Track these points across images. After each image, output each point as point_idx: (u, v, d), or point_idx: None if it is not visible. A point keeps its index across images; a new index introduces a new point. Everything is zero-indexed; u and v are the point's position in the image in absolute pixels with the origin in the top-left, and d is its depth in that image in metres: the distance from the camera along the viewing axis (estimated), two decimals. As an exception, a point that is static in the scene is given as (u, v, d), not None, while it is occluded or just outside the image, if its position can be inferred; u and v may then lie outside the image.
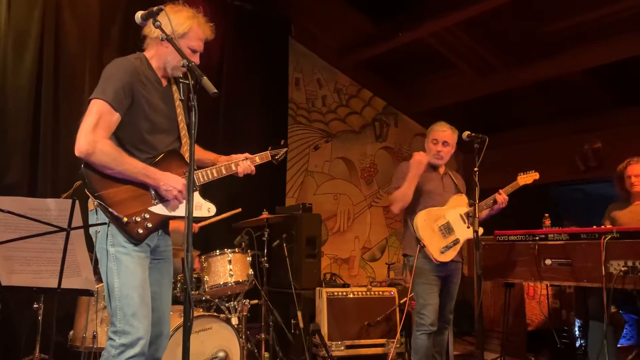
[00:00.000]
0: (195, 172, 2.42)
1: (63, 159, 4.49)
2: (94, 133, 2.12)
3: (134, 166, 2.20)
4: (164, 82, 2.41)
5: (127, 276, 2.18)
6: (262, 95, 6.14)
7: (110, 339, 2.16)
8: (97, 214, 2.23)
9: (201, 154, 2.62)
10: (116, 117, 2.19)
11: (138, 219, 2.21)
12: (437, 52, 6.14)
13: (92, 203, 2.25)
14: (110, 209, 2.14)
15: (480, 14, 5.29)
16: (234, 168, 2.56)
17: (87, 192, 2.18)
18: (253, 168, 2.64)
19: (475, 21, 5.46)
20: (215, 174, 2.49)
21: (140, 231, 2.20)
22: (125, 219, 2.16)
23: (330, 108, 7.05)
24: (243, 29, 5.98)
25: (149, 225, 2.23)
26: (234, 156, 2.63)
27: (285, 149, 2.87)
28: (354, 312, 4.74)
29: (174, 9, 2.35)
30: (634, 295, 3.69)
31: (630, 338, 4.95)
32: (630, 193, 4.11)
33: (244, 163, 2.59)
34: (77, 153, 2.12)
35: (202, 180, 2.44)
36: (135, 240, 2.19)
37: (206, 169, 2.48)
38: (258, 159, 2.71)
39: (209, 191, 2.51)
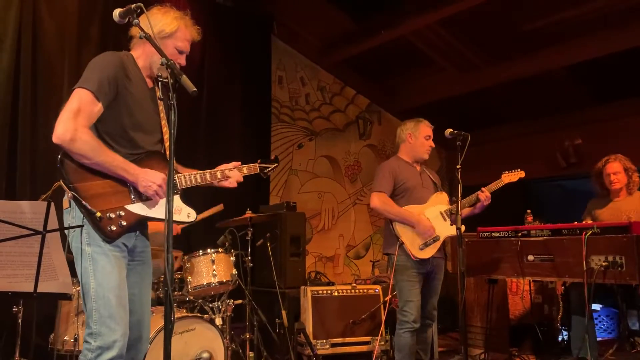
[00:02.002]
0: (178, 175, 2.38)
1: (42, 160, 4.42)
2: (74, 120, 2.07)
3: (113, 158, 2.15)
4: (149, 83, 2.39)
5: (104, 277, 2.12)
6: (244, 94, 6.10)
7: (86, 341, 2.11)
8: (71, 212, 2.16)
9: (183, 171, 2.53)
10: (98, 107, 2.15)
11: (112, 216, 2.14)
12: (418, 50, 6.16)
13: (66, 201, 2.20)
14: (83, 202, 2.07)
15: (460, 12, 5.32)
16: (219, 176, 2.52)
17: (62, 183, 2.12)
18: (241, 178, 2.60)
19: (456, 19, 5.49)
20: (199, 180, 2.45)
21: (114, 228, 2.14)
22: (98, 214, 2.09)
23: (314, 106, 7.04)
24: (225, 26, 5.94)
25: (124, 223, 2.17)
26: (220, 167, 2.58)
27: (275, 164, 2.85)
28: (338, 311, 4.73)
29: (161, 10, 2.36)
30: (614, 290, 3.75)
31: (611, 332, 5.02)
32: (610, 190, 4.16)
33: (235, 172, 2.55)
34: (54, 139, 2.07)
35: (184, 184, 2.40)
36: (108, 237, 2.13)
37: (190, 173, 2.44)
38: (246, 169, 2.66)
39: (191, 189, 2.47)
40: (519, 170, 3.79)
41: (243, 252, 4.25)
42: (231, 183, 2.56)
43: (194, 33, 2.43)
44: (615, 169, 4.09)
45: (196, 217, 2.43)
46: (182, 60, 2.39)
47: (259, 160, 2.79)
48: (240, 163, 2.66)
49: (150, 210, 2.26)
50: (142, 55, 2.35)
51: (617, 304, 4.16)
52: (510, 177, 3.78)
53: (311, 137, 6.97)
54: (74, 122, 2.07)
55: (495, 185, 3.75)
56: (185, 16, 2.42)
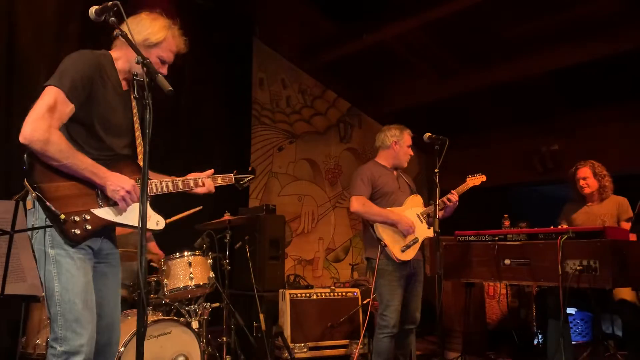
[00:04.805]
0: (149, 181, 2.30)
1: (17, 160, 4.30)
2: (43, 121, 2.00)
3: (81, 161, 2.07)
4: (124, 86, 2.32)
5: (68, 280, 2.05)
6: (225, 95, 6.08)
7: (51, 346, 2.05)
8: (35, 213, 2.10)
9: (155, 177, 2.46)
10: (70, 108, 2.08)
11: (77, 219, 2.07)
12: (399, 55, 6.20)
13: (30, 201, 2.13)
14: (47, 203, 2.01)
15: (441, 18, 5.37)
16: (191, 184, 2.46)
17: (27, 183, 2.05)
18: (213, 188, 2.54)
19: (436, 25, 5.54)
20: (170, 187, 2.39)
21: (77, 232, 2.06)
22: (62, 216, 2.02)
23: (295, 109, 7.03)
24: (205, 27, 5.90)
25: (88, 227, 2.10)
26: (192, 175, 2.52)
27: (251, 177, 2.79)
28: (317, 314, 4.72)
29: (150, 16, 2.30)
30: (588, 294, 3.80)
31: (585, 335, 5.09)
32: (583, 194, 4.23)
33: (207, 181, 2.49)
34: (21, 139, 2.00)
35: (154, 190, 2.33)
36: (71, 241, 2.06)
37: (161, 180, 2.38)
38: (220, 180, 2.60)
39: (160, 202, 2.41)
40: (480, 174, 3.98)
41: (221, 255, 4.21)
42: (202, 190, 2.50)
43: (181, 45, 2.36)
44: (584, 174, 4.17)
45: (165, 225, 2.35)
46: (163, 70, 2.31)
47: (234, 171, 2.73)
48: (213, 171, 2.60)
49: (117, 216, 2.19)
50: (122, 57, 2.28)
51: (592, 308, 4.22)
52: (474, 180, 3.96)
53: (292, 140, 6.95)
54: (43, 123, 2.00)
55: (462, 189, 3.88)
56: (174, 26, 2.34)
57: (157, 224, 2.32)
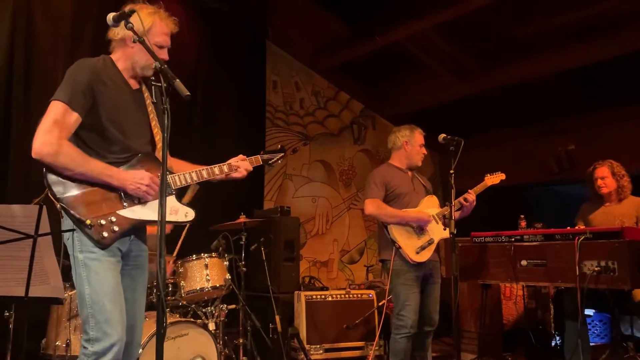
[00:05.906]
0: (172, 175, 2.33)
1: (35, 163, 4.37)
2: (50, 134, 2.06)
3: (95, 166, 2.12)
4: (134, 85, 2.36)
5: (97, 282, 2.11)
6: (239, 99, 6.11)
7: (83, 347, 2.10)
8: (65, 222, 2.15)
9: (179, 166, 2.48)
10: (75, 117, 2.13)
11: (103, 222, 2.11)
12: (413, 56, 6.19)
13: (60, 212, 2.17)
14: (72, 212, 2.06)
15: (454, 18, 5.35)
16: (217, 172, 2.44)
17: (50, 195, 2.11)
18: (250, 167, 2.54)
19: (450, 25, 5.52)
20: (195, 177, 2.39)
21: (105, 234, 2.11)
22: (88, 222, 2.07)
23: (308, 111, 7.05)
24: (219, 31, 5.95)
25: (116, 228, 2.14)
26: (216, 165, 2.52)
27: (282, 154, 2.74)
28: (332, 315, 4.72)
29: (134, 7, 2.30)
30: (606, 295, 3.76)
31: (603, 337, 5.03)
32: (601, 194, 4.19)
33: (243, 163, 2.50)
34: (33, 154, 2.06)
35: (178, 183, 2.34)
36: (100, 244, 2.11)
37: (185, 172, 2.38)
38: (248, 163, 2.59)
39: (184, 194, 2.44)
40: (500, 172, 3.92)
41: (237, 257, 4.24)
42: (241, 172, 2.50)
43: (171, 25, 2.38)
44: (602, 173, 4.12)
45: (194, 217, 2.35)
46: (164, 55, 2.33)
47: (261, 152, 2.71)
48: (244, 156, 2.57)
49: (144, 213, 2.22)
50: (122, 57, 2.32)
51: (610, 309, 4.17)
52: (493, 179, 3.91)
53: (305, 142, 6.97)
54: (51, 136, 2.06)
55: (480, 188, 3.84)
56: (159, 9, 2.36)
57: (186, 215, 2.34)
